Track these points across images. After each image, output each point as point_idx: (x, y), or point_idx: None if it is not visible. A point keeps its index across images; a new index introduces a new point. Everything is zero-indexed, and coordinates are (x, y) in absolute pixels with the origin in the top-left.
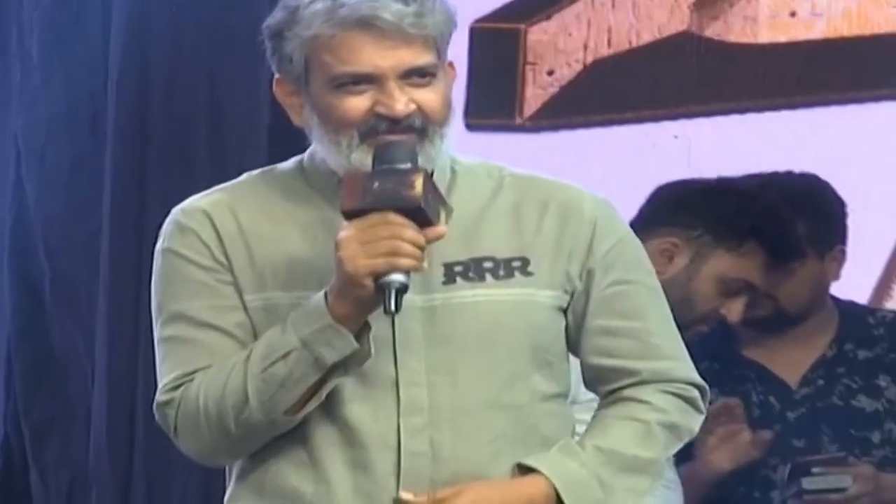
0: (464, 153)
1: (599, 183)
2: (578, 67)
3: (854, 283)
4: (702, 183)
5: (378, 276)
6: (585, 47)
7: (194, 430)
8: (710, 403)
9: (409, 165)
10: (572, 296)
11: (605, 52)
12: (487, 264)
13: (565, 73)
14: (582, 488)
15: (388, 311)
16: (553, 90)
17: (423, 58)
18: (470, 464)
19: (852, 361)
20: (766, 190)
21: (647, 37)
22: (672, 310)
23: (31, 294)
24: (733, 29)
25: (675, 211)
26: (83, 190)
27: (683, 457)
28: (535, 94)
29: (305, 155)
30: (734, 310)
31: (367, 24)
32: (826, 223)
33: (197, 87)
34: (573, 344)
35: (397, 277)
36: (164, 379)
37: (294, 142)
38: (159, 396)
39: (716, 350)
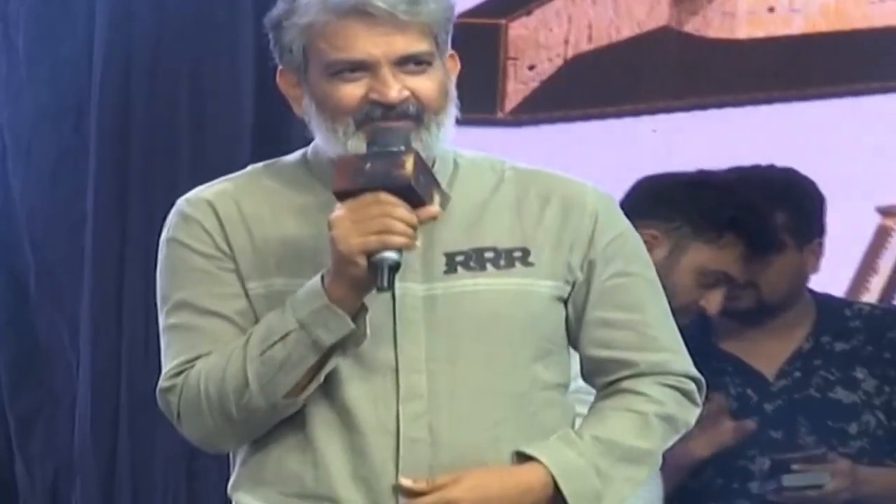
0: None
1: (580, 176)
2: (559, 62)
3: (832, 276)
4: (681, 176)
5: (371, 254)
6: (566, 42)
7: (196, 415)
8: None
9: (401, 148)
10: (573, 287)
11: (585, 47)
12: (488, 254)
13: (546, 68)
14: (580, 477)
15: (381, 288)
16: (534, 85)
17: (418, 45)
18: (468, 450)
19: (829, 354)
20: (744, 183)
21: (626, 32)
22: None
23: (17, 286)
24: (712, 24)
25: (655, 204)
26: (68, 184)
27: None
28: (516, 89)
29: (310, 147)
30: (713, 301)
31: (361, 12)
32: (805, 216)
33: (179, 84)
34: (572, 336)
35: (390, 255)
36: (167, 366)
37: (277, 137)
38: (162, 383)
39: (693, 343)
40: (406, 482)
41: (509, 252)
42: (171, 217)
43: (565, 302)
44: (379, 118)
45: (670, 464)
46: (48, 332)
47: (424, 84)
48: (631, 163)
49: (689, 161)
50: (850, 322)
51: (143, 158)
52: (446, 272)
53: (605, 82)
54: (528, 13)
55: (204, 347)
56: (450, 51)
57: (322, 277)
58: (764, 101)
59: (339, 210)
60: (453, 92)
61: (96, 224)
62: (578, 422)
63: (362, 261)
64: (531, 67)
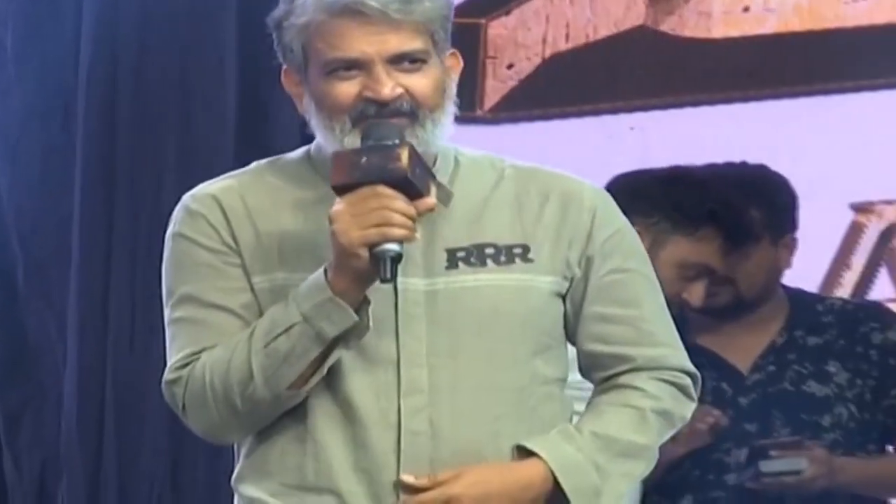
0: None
1: None
2: (537, 61)
3: (806, 272)
4: (656, 172)
5: (372, 247)
6: (544, 41)
7: (202, 407)
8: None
9: (396, 141)
10: (571, 282)
11: (562, 46)
12: (489, 250)
13: (524, 67)
14: (579, 473)
15: (384, 280)
16: (512, 83)
17: (411, 44)
18: (469, 444)
19: (802, 348)
20: (718, 178)
21: (603, 31)
22: None
23: (5, 282)
24: (688, 24)
25: (632, 199)
26: (55, 181)
27: None
28: (494, 87)
29: (313, 144)
30: (695, 293)
31: (354, 11)
32: (778, 212)
33: (165, 83)
34: (570, 331)
35: (391, 247)
36: (172, 358)
37: (260, 135)
38: (167, 375)
39: None
40: (408, 478)
41: (509, 248)
42: (177, 212)
43: (563, 297)
44: (373, 115)
45: None
46: (36, 327)
47: (419, 82)
48: (608, 160)
49: (665, 158)
50: (823, 317)
51: (130, 156)
52: (447, 267)
53: (582, 81)
54: (507, 13)
55: (209, 341)
56: (450, 49)
57: (325, 271)
58: (739, 99)
59: (339, 204)
60: (452, 89)
61: (83, 221)
62: (575, 420)
63: (364, 253)
64: (510, 66)
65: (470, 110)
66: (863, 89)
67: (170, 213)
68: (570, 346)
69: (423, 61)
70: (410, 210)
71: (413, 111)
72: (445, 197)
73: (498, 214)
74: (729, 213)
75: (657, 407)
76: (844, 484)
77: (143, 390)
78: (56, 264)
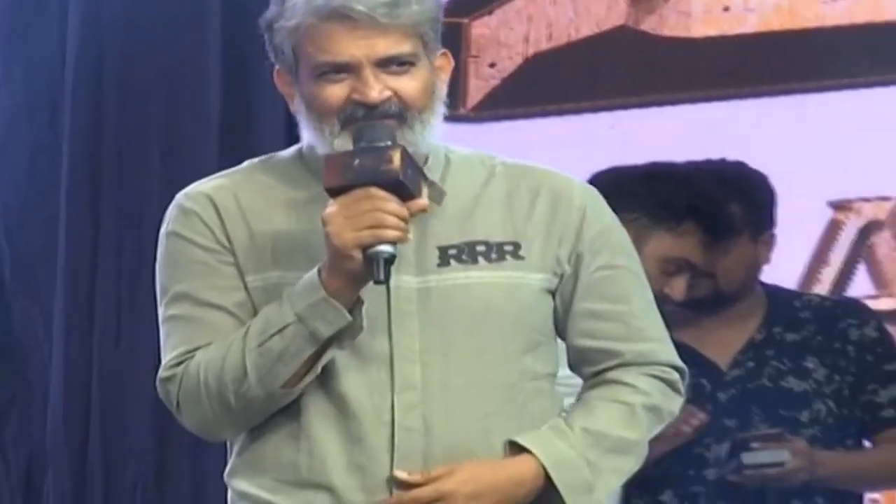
0: None
1: None
2: (519, 60)
3: (785, 268)
4: (636, 168)
5: (365, 248)
6: (526, 41)
7: (195, 405)
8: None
9: (387, 143)
10: (561, 279)
11: (544, 45)
12: (480, 248)
13: (507, 66)
14: (571, 469)
15: (378, 281)
16: (495, 82)
17: (399, 47)
18: (461, 440)
19: (780, 344)
20: (698, 174)
21: (585, 31)
22: None
23: None
24: (668, 23)
25: (614, 195)
26: (42, 178)
27: None
28: (477, 86)
29: (304, 142)
30: (677, 288)
31: (342, 15)
32: (757, 208)
33: (150, 82)
34: (560, 326)
35: (384, 248)
36: (167, 356)
37: (243, 132)
38: (162, 373)
39: None
40: (401, 474)
41: (500, 246)
42: (171, 211)
43: (553, 293)
44: (361, 118)
45: None
46: (23, 323)
47: (407, 84)
48: (589, 157)
49: (645, 156)
50: (800, 313)
51: (115, 154)
52: (439, 265)
53: (564, 80)
54: (490, 12)
55: (203, 339)
56: (441, 49)
57: (319, 271)
58: (719, 97)
59: (332, 206)
60: (441, 90)
61: (69, 218)
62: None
63: (358, 255)
64: (492, 65)
65: (453, 109)
66: (842, 88)
67: (155, 212)
68: (559, 341)
69: (412, 64)
70: (403, 211)
71: (401, 113)
72: (437, 196)
73: (489, 212)
74: (709, 208)
75: (647, 403)
76: (824, 477)
77: (129, 386)
78: (42, 262)
